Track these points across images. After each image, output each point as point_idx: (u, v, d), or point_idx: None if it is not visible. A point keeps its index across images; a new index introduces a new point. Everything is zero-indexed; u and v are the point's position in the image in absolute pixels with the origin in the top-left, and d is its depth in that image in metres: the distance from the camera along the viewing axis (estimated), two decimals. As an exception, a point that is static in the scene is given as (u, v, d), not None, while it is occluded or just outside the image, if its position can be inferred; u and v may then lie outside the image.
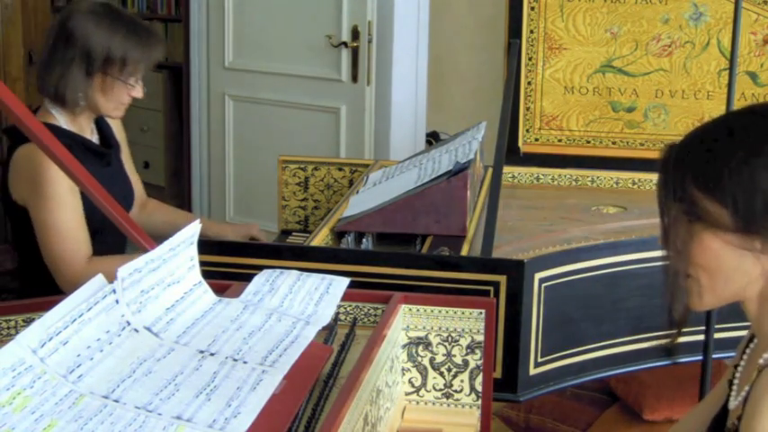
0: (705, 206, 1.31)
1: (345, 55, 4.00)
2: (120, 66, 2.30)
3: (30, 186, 2.25)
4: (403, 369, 1.76)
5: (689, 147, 1.36)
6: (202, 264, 1.54)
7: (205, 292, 1.52)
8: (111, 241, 2.40)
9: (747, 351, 1.45)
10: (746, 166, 1.28)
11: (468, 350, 1.75)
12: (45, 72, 2.31)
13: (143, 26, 2.37)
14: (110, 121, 2.54)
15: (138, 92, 2.37)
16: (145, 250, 1.50)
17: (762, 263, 1.32)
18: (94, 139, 2.47)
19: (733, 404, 1.40)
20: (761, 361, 1.34)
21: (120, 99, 2.35)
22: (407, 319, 1.74)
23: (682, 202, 1.33)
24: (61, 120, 2.35)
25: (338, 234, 2.37)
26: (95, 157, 2.40)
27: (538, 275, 2.12)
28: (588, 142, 3.17)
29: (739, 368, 1.44)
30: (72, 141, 2.31)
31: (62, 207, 2.23)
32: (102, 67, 2.29)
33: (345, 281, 1.71)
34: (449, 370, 1.76)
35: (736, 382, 1.42)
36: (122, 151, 2.60)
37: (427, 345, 1.75)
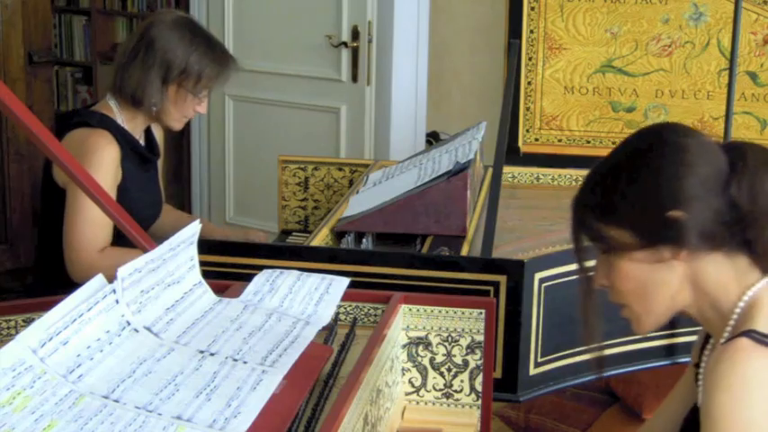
0: (610, 234, 1.41)
1: (345, 55, 4.00)
2: (195, 79, 2.39)
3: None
4: (403, 369, 1.77)
5: (584, 189, 1.49)
6: (202, 264, 1.54)
7: (205, 292, 1.52)
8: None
9: (707, 350, 1.48)
10: (632, 184, 1.39)
11: (468, 350, 1.75)
12: (125, 73, 2.39)
13: (220, 45, 2.49)
14: (154, 128, 2.60)
15: (204, 108, 2.47)
16: (145, 250, 1.50)
17: (677, 269, 1.39)
18: (142, 142, 2.53)
19: (701, 399, 1.41)
20: (722, 338, 1.38)
21: (186, 112, 2.45)
22: (407, 319, 1.74)
23: (593, 239, 1.45)
24: (119, 117, 2.42)
25: (338, 234, 2.37)
26: (140, 161, 2.48)
27: (538, 275, 2.12)
28: (588, 142, 3.17)
29: (701, 367, 1.45)
30: (124, 139, 2.39)
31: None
32: (178, 79, 2.38)
33: (345, 281, 1.71)
34: (449, 370, 1.76)
35: (701, 380, 1.43)
36: (159, 158, 2.68)
37: (427, 345, 1.75)
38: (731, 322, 1.38)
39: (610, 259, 1.44)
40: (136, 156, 2.44)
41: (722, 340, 1.38)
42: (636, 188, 1.39)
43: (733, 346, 1.29)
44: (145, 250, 1.45)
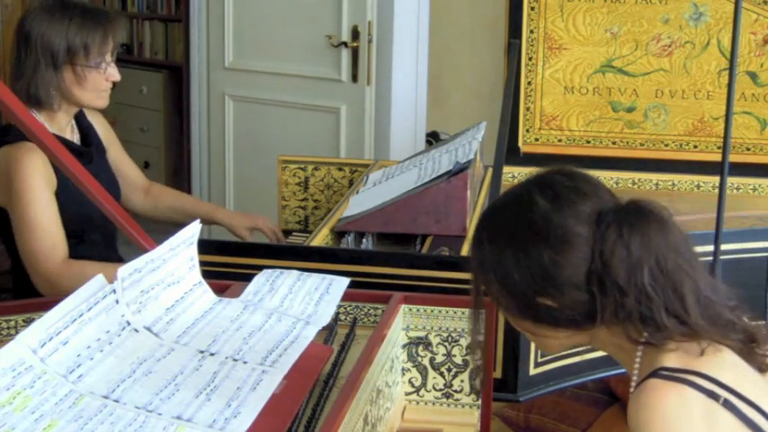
0: (495, 293, 1.42)
1: (345, 55, 4.00)
2: (84, 53, 2.28)
3: (6, 186, 2.24)
4: (403, 369, 1.77)
5: (479, 235, 1.44)
6: (202, 264, 1.54)
7: (205, 292, 1.52)
8: (101, 240, 2.40)
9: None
10: (509, 262, 1.38)
11: (468, 350, 1.75)
12: (15, 79, 2.30)
13: (97, 9, 2.36)
14: (91, 118, 2.53)
15: (115, 74, 2.35)
16: (145, 250, 1.50)
17: (561, 333, 1.40)
18: (75, 137, 2.45)
19: None
20: (632, 383, 1.38)
21: (97, 86, 2.33)
22: (407, 319, 1.74)
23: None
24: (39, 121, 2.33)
25: (338, 234, 2.37)
26: (76, 156, 2.39)
27: (538, 275, 2.12)
28: (588, 142, 3.17)
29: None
30: None
31: (37, 203, 2.21)
32: (68, 59, 2.28)
33: (345, 281, 1.71)
34: (449, 370, 1.76)
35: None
36: (110, 146, 2.58)
37: (427, 345, 1.75)
38: (636, 366, 1.37)
39: (510, 317, 1.47)
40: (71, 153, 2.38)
41: (632, 384, 1.37)
42: (508, 274, 1.37)
43: (645, 390, 1.28)
44: (145, 250, 1.45)
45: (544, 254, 1.33)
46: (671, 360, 1.30)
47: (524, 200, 1.38)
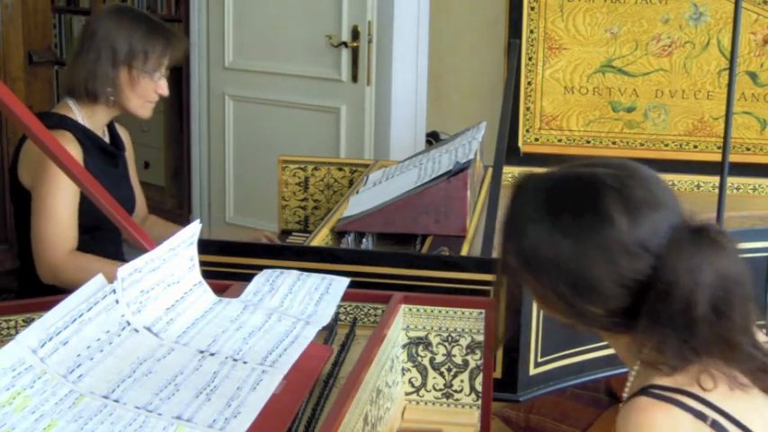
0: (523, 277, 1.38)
1: (345, 55, 4.00)
2: (142, 58, 2.40)
3: (36, 169, 2.32)
4: (403, 369, 1.76)
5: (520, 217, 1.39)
6: (202, 264, 1.54)
7: (205, 293, 1.52)
8: (108, 239, 2.43)
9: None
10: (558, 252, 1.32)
11: (468, 350, 1.75)
12: (74, 71, 2.41)
13: (165, 27, 2.49)
14: (121, 134, 2.62)
15: (164, 88, 2.46)
16: (145, 250, 1.50)
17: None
18: (106, 140, 2.53)
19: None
20: (624, 394, 1.37)
21: (146, 95, 2.44)
22: (407, 319, 1.74)
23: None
24: (78, 115, 2.42)
25: (338, 234, 2.37)
26: (105, 156, 2.47)
27: (538, 275, 2.12)
28: (588, 142, 3.17)
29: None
30: (85, 136, 2.39)
31: (61, 192, 2.29)
32: (127, 60, 2.39)
33: (345, 281, 1.71)
34: (449, 370, 1.76)
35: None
36: (130, 164, 2.66)
37: (427, 345, 1.75)
38: (633, 372, 1.35)
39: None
40: (100, 152, 2.44)
41: (626, 388, 1.36)
42: (559, 260, 1.31)
43: (634, 406, 1.27)
44: (145, 250, 1.45)
45: (603, 268, 1.28)
46: (662, 379, 1.28)
47: (600, 209, 1.30)
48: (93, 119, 2.44)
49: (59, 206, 2.29)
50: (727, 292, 1.27)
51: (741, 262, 1.31)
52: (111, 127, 2.56)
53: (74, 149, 2.30)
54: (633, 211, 1.29)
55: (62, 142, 2.25)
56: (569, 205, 1.33)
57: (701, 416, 1.25)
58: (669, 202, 1.33)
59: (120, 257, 2.49)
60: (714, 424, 1.25)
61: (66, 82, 2.46)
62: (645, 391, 1.28)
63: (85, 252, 2.34)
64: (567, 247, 1.30)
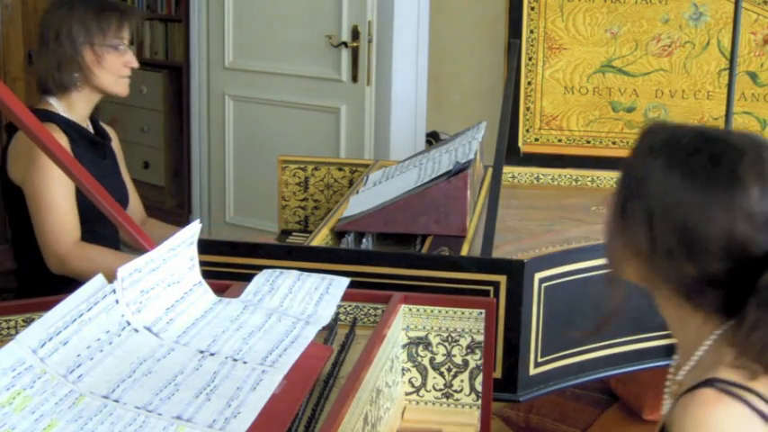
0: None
1: (345, 55, 4.00)
2: (101, 35, 2.42)
3: (26, 164, 2.33)
4: (403, 369, 1.77)
5: (640, 161, 1.36)
6: (202, 264, 1.54)
7: (205, 292, 1.52)
8: (104, 234, 2.44)
9: (674, 362, 1.43)
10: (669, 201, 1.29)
11: (468, 350, 1.75)
12: (40, 68, 2.44)
13: (115, 3, 2.51)
14: (108, 130, 2.61)
15: (132, 60, 2.49)
16: (143, 249, 1.50)
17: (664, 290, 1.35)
18: (91, 131, 2.52)
19: (664, 410, 1.39)
20: (679, 377, 1.34)
21: (116, 70, 2.46)
22: (407, 319, 1.74)
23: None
24: (59, 109, 2.44)
25: (338, 234, 2.37)
26: (92, 147, 2.48)
27: (538, 275, 2.12)
28: (588, 142, 3.17)
29: (668, 378, 1.42)
30: (70, 127, 2.40)
31: (55, 183, 2.30)
32: (86, 40, 2.41)
33: (345, 281, 1.71)
34: (449, 370, 1.76)
35: (666, 388, 1.41)
36: (120, 162, 2.65)
37: (427, 345, 1.75)
38: (696, 357, 1.32)
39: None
40: (86, 142, 2.46)
41: (683, 371, 1.33)
42: (670, 208, 1.29)
43: (697, 399, 1.22)
44: (145, 250, 1.45)
45: (719, 227, 1.25)
46: (729, 373, 1.24)
47: (735, 171, 1.26)
48: (74, 110, 2.46)
49: (56, 197, 2.30)
50: None
51: None
52: (94, 122, 2.56)
53: (61, 140, 2.32)
54: (767, 183, 1.26)
55: (52, 135, 2.29)
56: (705, 159, 1.28)
57: (765, 417, 1.20)
58: None
59: (118, 247, 2.50)
60: None
61: (37, 81, 2.49)
62: (710, 383, 1.23)
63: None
64: (692, 197, 1.26)
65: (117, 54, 2.44)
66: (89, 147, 2.46)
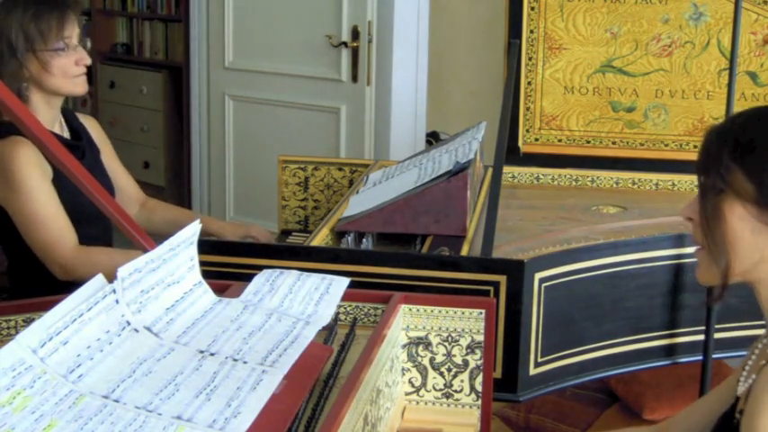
0: (735, 176, 1.36)
1: (345, 55, 4.00)
2: (41, 39, 2.30)
3: (2, 182, 2.26)
4: (403, 369, 1.77)
5: (735, 120, 1.42)
6: (202, 264, 1.54)
7: (205, 292, 1.52)
8: (95, 234, 2.40)
9: (761, 344, 1.45)
10: None
11: (468, 350, 1.75)
12: None
13: None
14: (85, 122, 2.55)
15: (84, 57, 2.36)
16: (144, 249, 1.50)
17: None
18: (65, 134, 2.46)
19: (740, 390, 1.40)
20: (755, 353, 1.35)
21: (66, 71, 2.34)
22: (407, 319, 1.74)
23: (715, 174, 1.38)
24: None
25: (338, 234, 2.37)
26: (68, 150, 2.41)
27: (538, 275, 2.12)
28: (588, 142, 3.16)
29: (752, 358, 1.44)
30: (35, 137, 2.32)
31: (38, 195, 2.24)
32: (27, 47, 2.29)
33: (345, 281, 1.71)
34: (449, 370, 1.76)
35: (746, 369, 1.42)
36: (104, 152, 2.59)
37: (427, 345, 1.75)
38: None
39: (717, 199, 1.39)
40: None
41: (755, 355, 1.35)
42: None
43: None
44: (145, 250, 1.45)
45: None
46: None
47: None
48: (39, 116, 2.33)
49: (44, 208, 2.24)
50: None
51: None
52: (70, 121, 2.49)
53: (28, 148, 2.23)
54: None
55: (21, 148, 2.23)
56: None
57: None
58: None
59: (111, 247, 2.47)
60: None
61: None
62: None
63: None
64: None
65: (64, 55, 2.32)
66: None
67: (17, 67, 2.30)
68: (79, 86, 2.38)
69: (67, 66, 2.34)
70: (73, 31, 2.35)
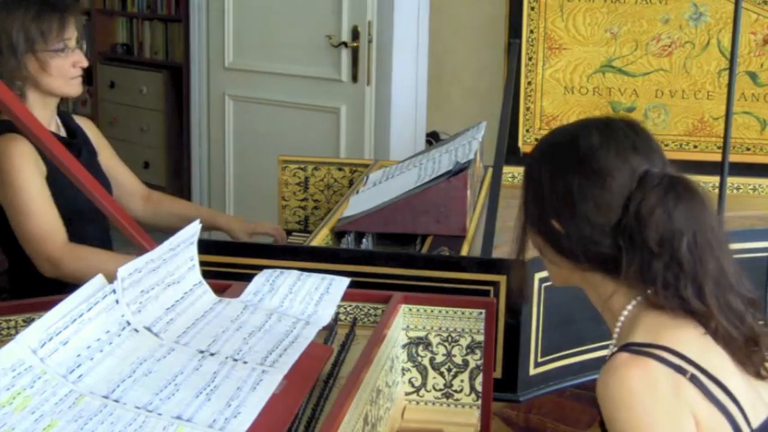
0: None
1: (345, 55, 4.00)
2: (42, 40, 2.31)
3: None
4: (403, 369, 1.77)
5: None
6: (202, 264, 1.54)
7: (205, 292, 1.52)
8: (93, 234, 2.39)
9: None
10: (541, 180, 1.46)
11: (468, 350, 1.75)
12: None
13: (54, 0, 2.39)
14: (81, 123, 2.56)
15: (82, 60, 2.38)
16: (140, 245, 1.50)
17: (564, 264, 1.45)
18: (62, 133, 2.47)
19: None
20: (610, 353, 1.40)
21: (64, 72, 2.35)
22: (407, 319, 1.74)
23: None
24: None
25: (338, 234, 2.37)
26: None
27: (538, 275, 2.12)
28: (588, 142, 3.16)
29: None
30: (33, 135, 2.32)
31: (28, 187, 2.24)
32: (27, 47, 2.31)
33: (345, 281, 1.71)
34: (449, 370, 1.76)
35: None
36: (102, 152, 2.59)
37: (427, 345, 1.75)
38: (616, 331, 1.41)
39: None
40: None
41: (611, 347, 1.41)
42: (540, 186, 1.45)
43: (614, 363, 1.32)
44: (145, 250, 1.45)
45: (575, 180, 1.39)
46: (640, 335, 1.34)
47: (581, 130, 1.44)
48: (35, 115, 2.30)
49: (35, 203, 2.24)
50: (701, 237, 1.35)
51: (714, 213, 1.43)
52: (66, 121, 2.50)
53: (23, 145, 2.24)
54: (609, 140, 1.42)
55: (15, 144, 2.24)
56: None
57: (679, 370, 1.29)
58: (649, 154, 1.50)
59: (109, 247, 2.47)
60: (692, 378, 1.29)
61: None
62: (625, 347, 1.33)
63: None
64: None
65: (63, 57, 2.33)
66: None
67: (15, 66, 2.30)
68: (75, 88, 2.40)
69: (65, 67, 2.35)
70: (73, 33, 2.37)
